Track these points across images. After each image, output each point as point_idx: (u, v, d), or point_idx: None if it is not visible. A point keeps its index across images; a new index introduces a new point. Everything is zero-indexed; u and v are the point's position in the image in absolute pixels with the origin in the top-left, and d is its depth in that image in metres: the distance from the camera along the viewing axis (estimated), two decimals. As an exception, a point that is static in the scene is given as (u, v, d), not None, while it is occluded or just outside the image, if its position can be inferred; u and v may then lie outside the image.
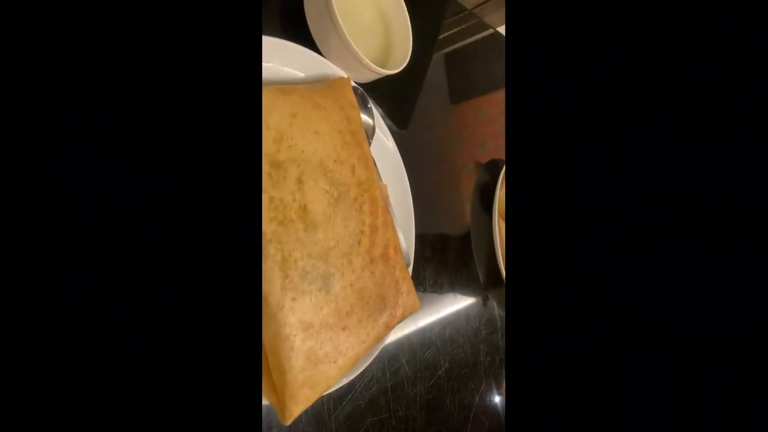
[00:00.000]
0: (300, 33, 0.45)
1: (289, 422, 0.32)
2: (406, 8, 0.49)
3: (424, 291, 0.58)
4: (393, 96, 0.54)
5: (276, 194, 0.33)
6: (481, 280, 0.67)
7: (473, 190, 0.70)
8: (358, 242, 0.40)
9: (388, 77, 0.48)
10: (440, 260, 0.61)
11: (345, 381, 0.40)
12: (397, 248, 0.45)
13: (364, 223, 0.41)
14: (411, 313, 0.46)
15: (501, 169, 0.69)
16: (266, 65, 0.39)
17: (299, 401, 0.33)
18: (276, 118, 0.34)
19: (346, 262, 0.39)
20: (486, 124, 0.76)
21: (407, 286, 0.45)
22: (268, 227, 0.32)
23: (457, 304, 0.63)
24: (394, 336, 0.52)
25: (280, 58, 0.40)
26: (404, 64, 0.48)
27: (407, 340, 0.54)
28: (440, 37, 0.72)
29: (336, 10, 0.41)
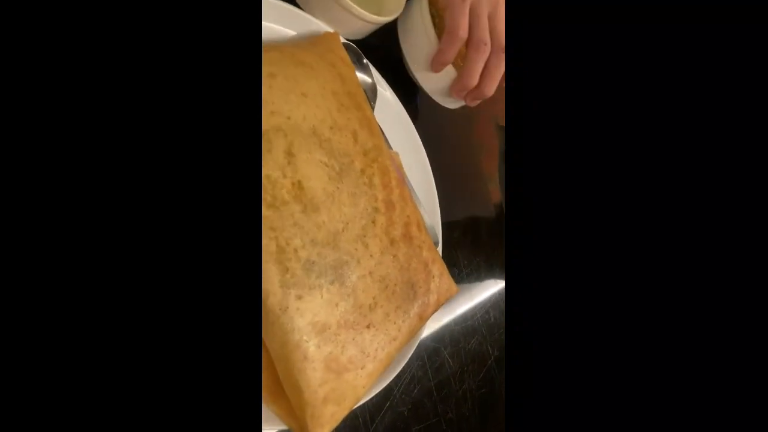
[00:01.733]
0: None
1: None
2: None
3: (459, 273, 0.51)
4: (392, 56, 0.46)
5: (262, 172, 0.27)
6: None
7: (498, 162, 0.62)
8: (373, 222, 0.34)
9: (384, 30, 0.41)
10: (473, 241, 0.54)
11: (379, 388, 0.34)
12: (421, 225, 0.38)
13: (376, 199, 0.34)
14: (447, 299, 0.39)
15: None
16: None
17: (324, 421, 0.27)
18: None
19: (361, 246, 0.32)
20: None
21: (439, 267, 0.38)
22: (254, 212, 0.26)
23: (498, 284, 0.55)
24: (430, 328, 0.45)
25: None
26: (401, 9, 0.41)
27: (447, 330, 0.47)
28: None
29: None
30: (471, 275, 0.52)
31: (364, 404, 0.36)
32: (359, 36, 0.42)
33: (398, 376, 0.37)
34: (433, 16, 0.42)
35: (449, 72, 0.43)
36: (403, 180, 0.38)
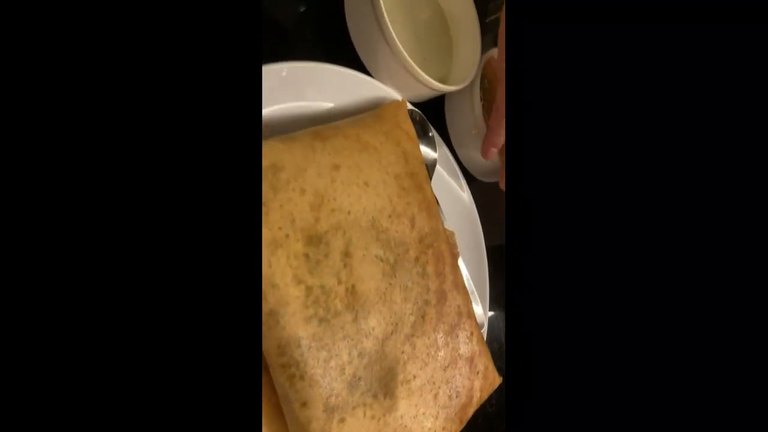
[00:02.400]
0: (344, 52, 0.36)
1: None
2: (473, 3, 0.39)
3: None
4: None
5: (315, 282, 0.25)
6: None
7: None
8: (423, 317, 0.31)
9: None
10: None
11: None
12: (471, 313, 0.36)
13: (428, 290, 0.32)
14: (490, 394, 0.36)
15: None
16: (295, 104, 0.30)
17: None
18: (311, 177, 0.26)
19: (409, 347, 0.30)
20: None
21: (484, 361, 0.35)
22: (303, 331, 0.24)
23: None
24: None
25: (313, 88, 0.31)
26: (471, 77, 0.38)
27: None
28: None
29: (385, 12, 0.31)
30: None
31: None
32: (425, 99, 0.39)
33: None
34: (484, 90, 0.39)
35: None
36: (456, 264, 0.36)
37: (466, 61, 0.39)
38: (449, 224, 0.39)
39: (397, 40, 0.32)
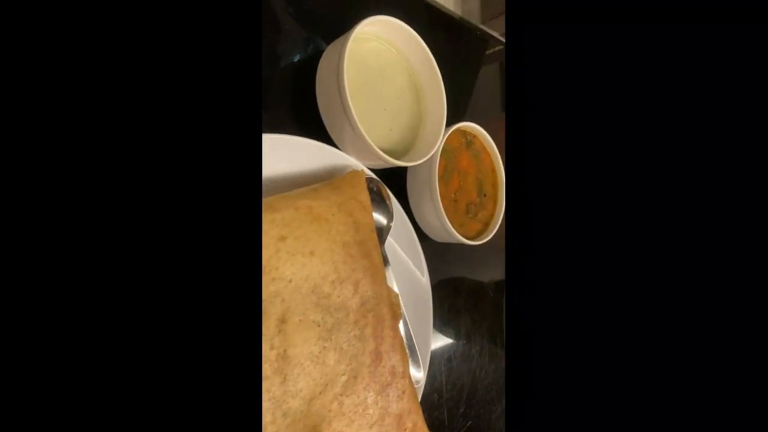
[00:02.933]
0: (314, 126, 0.39)
1: None
2: (440, 79, 0.42)
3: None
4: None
5: (246, 347, 0.27)
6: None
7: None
8: (355, 377, 0.34)
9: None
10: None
11: None
12: (406, 371, 0.38)
13: (364, 352, 0.35)
14: (417, 448, 0.39)
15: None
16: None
17: None
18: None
19: (337, 405, 0.32)
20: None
21: (413, 419, 0.38)
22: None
23: None
24: None
25: (277, 155, 0.34)
26: (431, 153, 0.40)
27: None
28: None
29: (347, 90, 0.34)
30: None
31: None
32: (385, 167, 0.42)
33: None
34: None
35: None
36: (396, 326, 0.38)
37: (429, 136, 0.42)
38: (398, 287, 0.41)
39: (356, 119, 0.35)
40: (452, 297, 0.50)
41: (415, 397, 0.39)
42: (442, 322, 0.48)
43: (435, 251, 0.47)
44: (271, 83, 0.38)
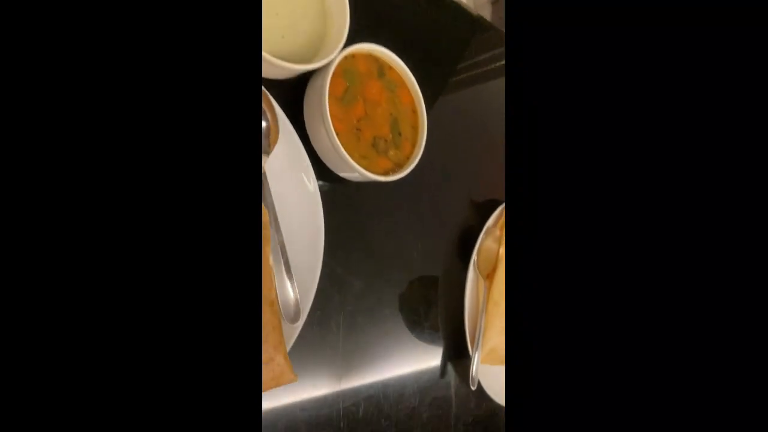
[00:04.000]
0: None
1: None
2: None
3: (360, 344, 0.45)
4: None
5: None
6: (442, 344, 0.53)
7: (455, 233, 0.56)
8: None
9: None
10: (390, 311, 0.48)
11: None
12: (267, 300, 0.34)
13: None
14: (276, 387, 0.34)
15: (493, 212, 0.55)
16: None
17: None
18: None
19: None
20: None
21: (271, 351, 0.33)
22: None
23: (402, 368, 0.49)
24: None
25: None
26: (324, 61, 0.37)
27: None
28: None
29: None
30: (379, 350, 0.47)
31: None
32: (278, 77, 0.38)
33: None
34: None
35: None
36: (266, 242, 0.34)
37: (327, 47, 0.38)
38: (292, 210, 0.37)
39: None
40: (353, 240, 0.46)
41: (279, 329, 0.34)
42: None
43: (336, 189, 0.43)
44: None
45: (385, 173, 0.42)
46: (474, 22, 0.63)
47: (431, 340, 0.52)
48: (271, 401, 0.39)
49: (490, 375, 0.52)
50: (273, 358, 0.33)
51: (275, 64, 0.34)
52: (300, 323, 0.38)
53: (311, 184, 0.39)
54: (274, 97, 0.37)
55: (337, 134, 0.38)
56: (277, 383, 0.34)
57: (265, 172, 0.37)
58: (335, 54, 0.38)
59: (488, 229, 0.54)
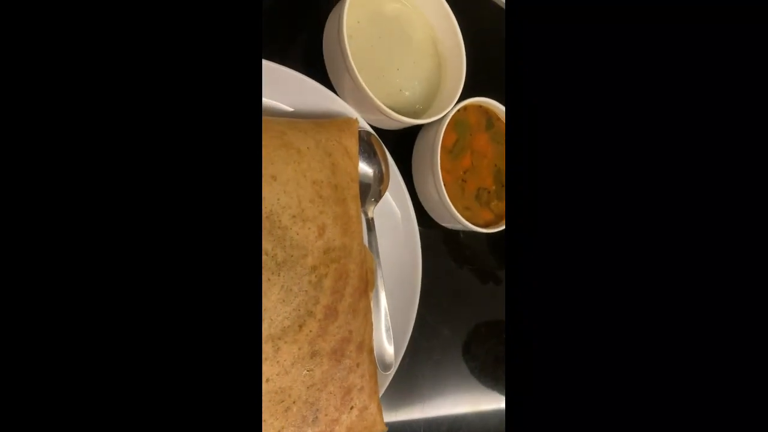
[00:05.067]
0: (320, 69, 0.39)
1: None
2: (463, 50, 0.39)
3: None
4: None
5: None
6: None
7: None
8: (300, 326, 0.31)
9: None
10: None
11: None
12: (365, 346, 0.34)
13: (317, 302, 0.32)
14: (365, 437, 0.34)
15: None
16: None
17: None
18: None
19: (271, 349, 0.30)
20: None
21: (366, 400, 0.33)
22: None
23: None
24: None
25: (275, 88, 0.34)
26: (441, 114, 0.38)
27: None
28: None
29: (346, 38, 0.33)
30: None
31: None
32: (392, 128, 0.40)
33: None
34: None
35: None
36: (365, 290, 0.34)
37: (443, 103, 0.39)
38: (386, 254, 0.38)
39: (354, 66, 0.34)
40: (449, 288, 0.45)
41: (374, 378, 0.34)
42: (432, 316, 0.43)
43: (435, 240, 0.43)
44: (283, 15, 0.39)
45: (486, 225, 0.42)
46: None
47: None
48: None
49: None
50: (367, 407, 0.33)
51: (394, 118, 0.36)
52: (392, 372, 0.37)
53: (416, 235, 0.39)
54: (385, 145, 0.38)
55: (444, 185, 0.38)
56: None
57: (373, 219, 0.38)
58: (450, 107, 0.38)
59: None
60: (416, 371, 0.43)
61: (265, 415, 0.29)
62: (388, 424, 0.35)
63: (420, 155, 0.40)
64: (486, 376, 0.47)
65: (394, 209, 0.40)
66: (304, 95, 0.36)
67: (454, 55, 0.40)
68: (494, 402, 0.47)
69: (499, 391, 0.48)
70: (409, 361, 0.42)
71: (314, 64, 0.38)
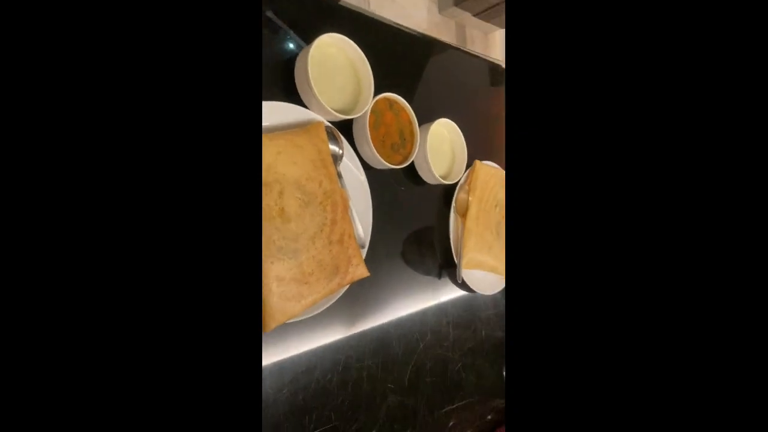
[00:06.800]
0: (291, 95, 0.68)
1: (267, 331, 0.57)
2: (370, 70, 0.71)
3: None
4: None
5: (264, 202, 0.58)
6: (438, 262, 0.89)
7: (442, 193, 0.91)
8: (320, 230, 0.64)
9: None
10: (411, 256, 0.84)
11: (306, 315, 0.65)
12: (351, 235, 0.68)
13: (326, 218, 0.65)
14: (359, 278, 0.69)
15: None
16: (266, 124, 0.63)
17: (274, 320, 0.58)
18: (266, 156, 0.58)
19: (310, 242, 0.63)
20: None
21: (357, 260, 0.68)
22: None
23: (417, 279, 0.85)
24: (376, 326, 0.75)
25: (277, 116, 0.64)
26: (364, 110, 0.70)
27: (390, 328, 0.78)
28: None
29: (310, 74, 0.64)
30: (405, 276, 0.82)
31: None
32: (336, 120, 0.71)
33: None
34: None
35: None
36: (346, 209, 0.68)
37: (363, 102, 0.71)
38: (349, 190, 0.71)
39: (316, 91, 0.64)
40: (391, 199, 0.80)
41: (359, 250, 0.69)
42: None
43: (376, 177, 0.77)
44: (268, 68, 0.67)
45: (399, 163, 0.76)
46: (430, 46, 0.95)
47: (432, 262, 0.88)
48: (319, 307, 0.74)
49: (469, 274, 0.89)
50: (359, 264, 0.68)
51: (336, 116, 0.67)
52: (365, 251, 0.73)
53: (362, 175, 0.73)
54: (340, 131, 0.69)
55: (374, 146, 0.71)
56: (356, 277, 0.69)
57: (340, 171, 0.70)
58: (369, 105, 0.70)
59: (461, 185, 0.89)
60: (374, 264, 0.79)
61: (315, 272, 0.63)
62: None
63: (358, 133, 0.73)
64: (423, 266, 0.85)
65: (349, 165, 0.72)
66: (290, 114, 0.66)
67: (366, 73, 0.72)
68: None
69: (428, 264, 0.86)
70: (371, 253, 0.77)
71: (292, 94, 0.68)
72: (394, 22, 0.88)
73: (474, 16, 2.37)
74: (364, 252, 0.72)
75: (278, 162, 0.60)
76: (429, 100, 0.91)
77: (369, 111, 0.71)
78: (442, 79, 0.96)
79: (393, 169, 0.75)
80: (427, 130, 0.80)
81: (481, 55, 1.10)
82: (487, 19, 2.36)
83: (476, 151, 0.92)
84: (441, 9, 2.33)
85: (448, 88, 0.97)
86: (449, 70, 0.98)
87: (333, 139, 0.69)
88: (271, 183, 0.59)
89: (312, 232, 0.63)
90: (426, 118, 0.83)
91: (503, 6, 2.24)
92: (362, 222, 0.73)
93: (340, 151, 0.70)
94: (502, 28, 2.49)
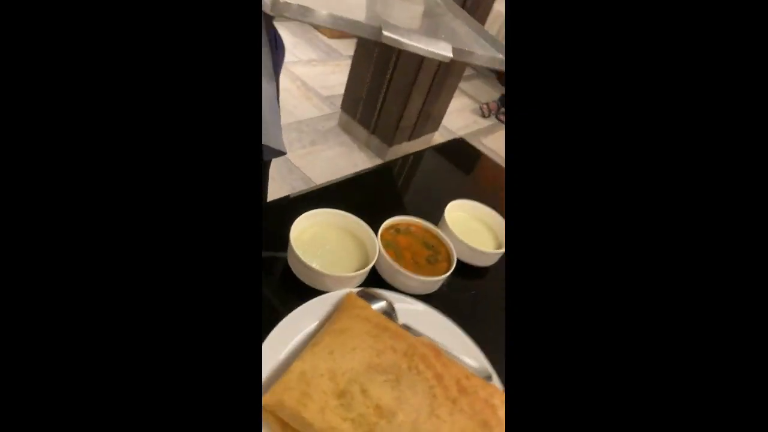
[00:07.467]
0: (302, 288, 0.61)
1: None
2: (365, 224, 0.66)
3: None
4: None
5: (353, 415, 0.44)
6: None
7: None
8: (434, 396, 0.49)
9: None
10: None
11: None
12: (468, 374, 0.53)
13: (428, 379, 0.50)
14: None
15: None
16: (296, 339, 0.54)
17: None
18: (321, 365, 0.47)
19: (434, 418, 0.47)
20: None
21: (499, 397, 0.51)
22: (362, 443, 0.42)
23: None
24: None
25: (304, 322, 0.55)
26: (375, 258, 0.62)
27: None
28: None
29: (303, 257, 0.57)
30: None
31: None
32: (359, 284, 0.63)
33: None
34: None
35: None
36: (439, 353, 0.54)
37: (370, 252, 0.64)
38: (423, 332, 0.58)
39: (321, 269, 0.57)
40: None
41: (492, 385, 0.53)
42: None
43: (438, 300, 0.65)
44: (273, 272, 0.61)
45: (447, 270, 0.65)
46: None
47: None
48: None
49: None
50: (498, 404, 0.51)
51: (354, 275, 0.59)
52: (496, 379, 0.56)
53: (420, 306, 0.61)
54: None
55: (411, 272, 0.62)
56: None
57: (403, 323, 0.58)
58: (377, 244, 0.63)
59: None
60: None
61: (468, 448, 0.46)
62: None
63: (387, 273, 0.64)
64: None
65: (404, 308, 0.61)
66: (313, 312, 0.57)
67: (354, 221, 0.66)
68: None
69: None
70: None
71: (302, 290, 0.61)
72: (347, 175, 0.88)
73: (409, 140, 2.55)
74: (495, 381, 0.55)
75: (337, 361, 0.49)
76: (422, 200, 0.85)
77: (380, 249, 0.63)
78: (421, 181, 0.92)
79: (445, 279, 0.64)
80: (445, 222, 0.72)
81: (440, 143, 1.10)
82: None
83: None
84: (380, 156, 2.52)
85: (427, 182, 0.93)
86: (422, 170, 0.96)
87: (371, 298, 0.59)
88: (346, 389, 0.46)
89: (426, 404, 0.48)
90: (432, 216, 0.75)
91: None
92: (466, 351, 0.58)
93: (390, 306, 0.59)
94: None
